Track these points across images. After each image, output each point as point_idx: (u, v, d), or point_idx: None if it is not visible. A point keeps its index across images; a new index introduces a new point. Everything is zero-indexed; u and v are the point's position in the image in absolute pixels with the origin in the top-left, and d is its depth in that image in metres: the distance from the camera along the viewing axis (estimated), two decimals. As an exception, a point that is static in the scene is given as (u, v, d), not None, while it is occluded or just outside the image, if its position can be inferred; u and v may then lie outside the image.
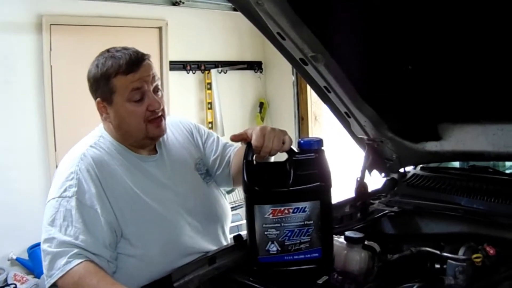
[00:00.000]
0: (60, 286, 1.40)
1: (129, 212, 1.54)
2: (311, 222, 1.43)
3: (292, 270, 1.44)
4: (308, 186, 1.43)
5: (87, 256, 1.41)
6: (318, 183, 1.43)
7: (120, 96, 1.55)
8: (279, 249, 1.43)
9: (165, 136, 1.72)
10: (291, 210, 1.42)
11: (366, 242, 1.55)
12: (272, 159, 1.62)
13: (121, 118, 1.59)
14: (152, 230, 1.56)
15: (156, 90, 1.61)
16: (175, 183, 1.68)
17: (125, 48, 1.58)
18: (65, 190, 1.50)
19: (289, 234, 1.42)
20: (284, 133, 1.50)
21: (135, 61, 1.55)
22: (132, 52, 1.56)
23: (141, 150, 1.67)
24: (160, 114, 1.61)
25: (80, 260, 1.39)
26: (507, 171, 2.48)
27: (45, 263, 1.44)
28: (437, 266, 1.48)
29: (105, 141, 1.63)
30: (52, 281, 1.40)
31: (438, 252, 1.51)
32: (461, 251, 1.46)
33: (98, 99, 1.61)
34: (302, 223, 1.43)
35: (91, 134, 1.70)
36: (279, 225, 1.42)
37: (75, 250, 1.41)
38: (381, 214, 1.92)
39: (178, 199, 1.66)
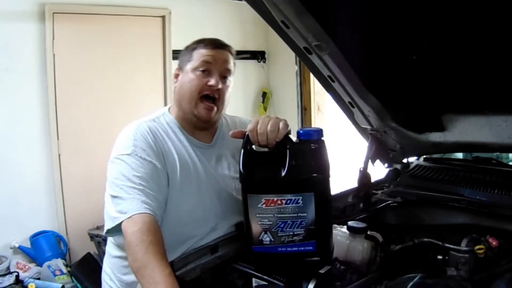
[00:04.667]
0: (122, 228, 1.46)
1: (173, 183, 1.63)
2: (305, 214, 1.39)
3: (285, 262, 1.42)
4: (300, 177, 1.39)
5: (151, 208, 1.47)
6: (312, 174, 1.39)
7: (191, 64, 1.71)
8: (272, 239, 1.41)
9: (225, 133, 1.81)
10: (284, 201, 1.39)
11: (368, 232, 1.56)
12: None
13: (182, 84, 1.73)
14: (172, 210, 1.61)
15: (223, 76, 1.72)
16: (210, 179, 1.72)
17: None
18: (124, 151, 1.60)
19: (282, 225, 1.40)
20: (280, 119, 1.48)
21: (216, 43, 1.74)
22: (218, 39, 1.77)
23: (196, 134, 1.76)
24: (216, 96, 1.70)
25: (144, 211, 1.45)
26: (511, 163, 2.48)
27: (109, 207, 1.53)
28: (440, 257, 1.49)
29: (164, 119, 1.76)
30: (117, 222, 1.46)
31: (440, 243, 1.51)
32: (463, 243, 1.46)
33: (177, 67, 1.80)
34: (296, 215, 1.39)
35: (153, 113, 1.81)
36: (272, 215, 1.40)
37: (143, 199, 1.48)
38: (384, 204, 1.92)
39: (206, 196, 1.70)
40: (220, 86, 1.69)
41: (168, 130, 1.72)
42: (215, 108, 1.71)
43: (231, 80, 1.77)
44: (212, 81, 1.68)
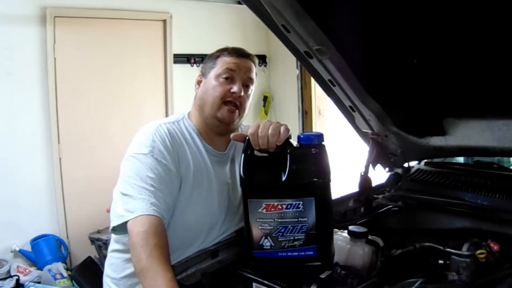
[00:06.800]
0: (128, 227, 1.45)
1: (184, 187, 1.64)
2: (305, 219, 1.38)
3: (285, 267, 1.41)
4: (301, 182, 1.39)
5: (158, 210, 1.46)
6: (313, 179, 1.39)
7: (215, 71, 1.74)
8: (273, 244, 1.41)
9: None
10: (284, 206, 1.38)
11: (369, 237, 1.55)
12: None
13: (205, 90, 1.75)
14: (179, 216, 1.61)
15: (245, 85, 1.74)
16: (222, 188, 1.73)
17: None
18: (141, 150, 1.60)
19: (282, 230, 1.39)
20: (281, 124, 1.48)
21: (240, 52, 1.77)
22: (242, 48, 1.80)
23: (213, 142, 1.76)
24: (237, 103, 1.72)
25: (152, 213, 1.44)
26: (512, 167, 2.47)
27: (117, 204, 1.53)
28: (441, 261, 1.48)
29: (183, 123, 1.77)
30: (123, 220, 1.45)
31: (441, 247, 1.50)
32: (464, 247, 1.45)
33: (199, 73, 1.83)
34: (296, 219, 1.38)
35: (172, 116, 1.84)
36: (272, 220, 1.39)
37: (152, 200, 1.47)
38: (385, 209, 1.91)
39: (216, 205, 1.70)
40: (242, 93, 1.71)
41: (187, 135, 1.72)
42: (237, 112, 1.72)
43: (252, 89, 1.78)
44: (235, 88, 1.69)
